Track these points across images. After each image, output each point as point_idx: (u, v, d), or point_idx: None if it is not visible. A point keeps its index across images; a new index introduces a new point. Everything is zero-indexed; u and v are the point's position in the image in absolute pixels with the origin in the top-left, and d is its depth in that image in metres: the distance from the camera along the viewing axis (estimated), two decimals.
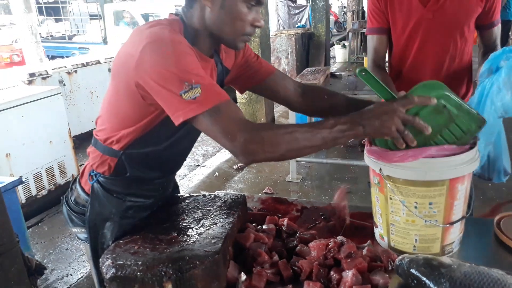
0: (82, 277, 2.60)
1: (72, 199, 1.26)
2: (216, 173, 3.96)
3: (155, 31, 0.99)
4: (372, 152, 1.11)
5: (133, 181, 1.19)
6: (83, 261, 2.79)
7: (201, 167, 4.18)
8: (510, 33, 6.46)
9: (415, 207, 1.06)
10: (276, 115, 5.21)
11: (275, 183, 3.75)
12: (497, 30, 1.55)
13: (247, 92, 1.52)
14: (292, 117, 3.54)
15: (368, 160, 1.14)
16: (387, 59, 1.73)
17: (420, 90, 1.03)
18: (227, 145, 0.96)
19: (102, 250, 1.14)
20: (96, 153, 1.19)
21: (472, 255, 1.15)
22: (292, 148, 0.97)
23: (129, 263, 1.01)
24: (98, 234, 1.18)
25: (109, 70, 5.45)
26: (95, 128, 1.22)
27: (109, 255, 1.06)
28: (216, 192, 1.36)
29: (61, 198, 1.30)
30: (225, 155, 4.37)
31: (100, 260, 1.06)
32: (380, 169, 1.08)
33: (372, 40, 1.66)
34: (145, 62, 0.96)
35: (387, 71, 1.67)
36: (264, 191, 3.55)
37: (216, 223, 1.15)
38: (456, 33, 1.50)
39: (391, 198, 1.10)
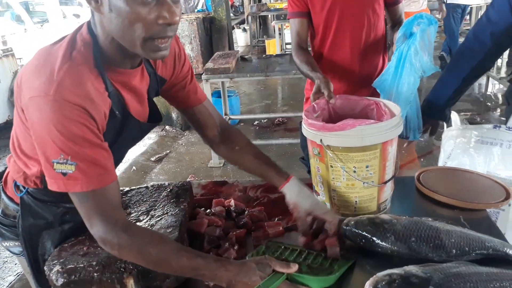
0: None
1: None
2: (134, 167, 3.80)
3: (45, 82, 0.84)
4: (312, 124, 1.18)
5: None
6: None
7: None
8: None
9: (354, 171, 1.16)
10: None
11: (198, 170, 3.73)
12: (401, 6, 1.74)
13: None
14: None
15: (308, 132, 1.20)
16: (309, 43, 1.83)
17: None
18: (88, 229, 0.91)
19: (44, 262, 1.04)
20: (18, 167, 1.06)
21: (401, 209, 1.30)
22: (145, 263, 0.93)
23: (82, 265, 0.95)
24: (37, 246, 1.07)
25: None
26: None
27: (55, 261, 0.98)
28: (158, 182, 1.32)
29: None
30: (140, 147, 4.21)
31: (46, 267, 0.98)
32: (321, 140, 1.15)
33: (294, 24, 1.74)
34: (30, 113, 0.87)
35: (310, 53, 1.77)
36: (188, 179, 3.51)
37: (167, 213, 1.12)
38: (369, 10, 1.65)
39: (331, 166, 1.18)
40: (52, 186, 0.89)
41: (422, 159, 3.55)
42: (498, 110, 4.58)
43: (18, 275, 2.49)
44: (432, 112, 1.59)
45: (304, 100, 1.94)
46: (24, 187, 1.07)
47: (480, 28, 1.47)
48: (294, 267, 0.94)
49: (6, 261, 2.68)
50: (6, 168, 1.15)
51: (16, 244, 1.13)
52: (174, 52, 1.13)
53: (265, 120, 4.83)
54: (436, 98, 1.58)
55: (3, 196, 1.12)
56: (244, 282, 0.90)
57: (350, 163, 1.15)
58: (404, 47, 1.34)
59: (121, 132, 1.03)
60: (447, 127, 1.67)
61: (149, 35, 0.85)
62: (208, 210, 1.26)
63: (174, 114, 4.67)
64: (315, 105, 1.34)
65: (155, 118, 1.15)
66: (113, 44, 0.92)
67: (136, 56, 0.97)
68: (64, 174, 0.86)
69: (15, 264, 2.61)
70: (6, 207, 1.12)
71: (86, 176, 0.87)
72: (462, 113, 4.35)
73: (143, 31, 0.85)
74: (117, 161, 1.23)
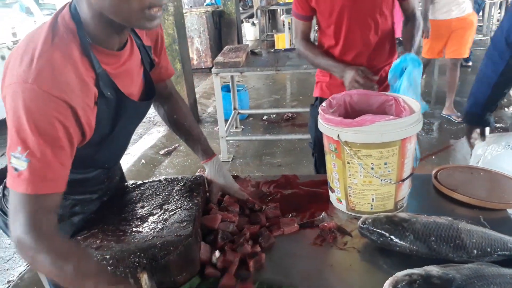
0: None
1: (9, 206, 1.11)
2: (143, 161, 3.80)
3: (25, 70, 0.81)
4: (329, 120, 1.15)
5: (74, 182, 1.08)
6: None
7: (125, 155, 3.96)
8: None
9: (372, 168, 1.13)
10: (197, 96, 5.12)
11: None
12: (414, 1, 1.73)
13: None
14: (219, 95, 3.52)
15: (325, 128, 1.18)
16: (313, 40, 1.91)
17: None
18: (10, 231, 0.85)
19: None
20: None
21: (419, 207, 1.27)
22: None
23: (95, 258, 0.93)
24: None
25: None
26: None
27: None
28: (172, 176, 1.30)
29: None
30: (150, 140, 4.20)
31: None
32: (338, 136, 1.12)
33: (298, 24, 1.81)
34: (6, 101, 0.83)
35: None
36: (197, 173, 3.50)
37: (180, 207, 1.11)
38: (376, 13, 1.66)
39: (348, 162, 1.15)
40: (8, 182, 0.84)
41: (433, 157, 3.51)
42: (511, 108, 4.50)
43: (28, 265, 2.50)
44: (474, 120, 1.73)
45: (315, 85, 1.95)
46: None
47: (496, 38, 1.56)
48: None
49: (16, 251, 2.69)
50: None
51: None
52: None
53: (274, 115, 4.80)
54: (473, 108, 1.70)
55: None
56: None
57: (368, 159, 1.12)
58: (396, 88, 1.47)
59: (118, 113, 1.02)
60: (490, 132, 1.77)
61: (146, 5, 0.84)
62: (222, 205, 1.24)
63: None
64: (332, 100, 1.31)
65: (149, 94, 1.14)
66: (101, 21, 0.89)
67: (124, 31, 0.96)
68: (16, 169, 0.81)
69: None
70: None
71: (34, 176, 0.82)
72: None
73: (141, 2, 0.84)
74: (122, 147, 1.22)
